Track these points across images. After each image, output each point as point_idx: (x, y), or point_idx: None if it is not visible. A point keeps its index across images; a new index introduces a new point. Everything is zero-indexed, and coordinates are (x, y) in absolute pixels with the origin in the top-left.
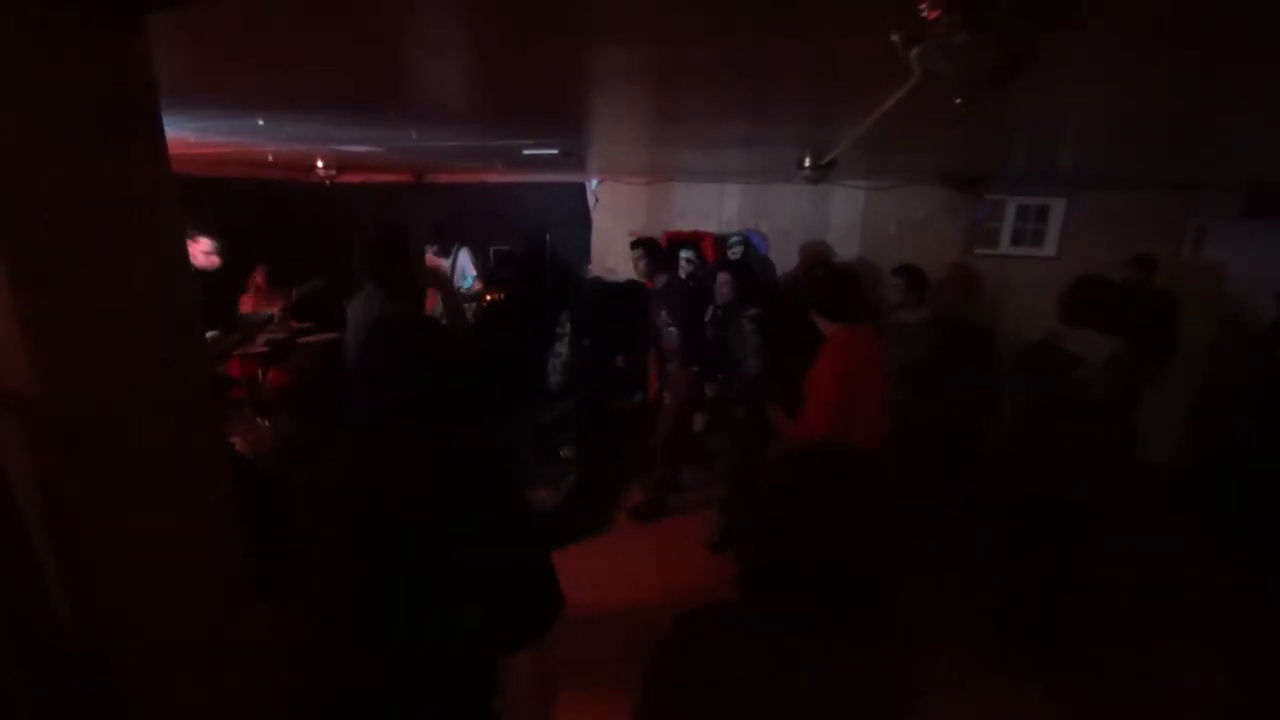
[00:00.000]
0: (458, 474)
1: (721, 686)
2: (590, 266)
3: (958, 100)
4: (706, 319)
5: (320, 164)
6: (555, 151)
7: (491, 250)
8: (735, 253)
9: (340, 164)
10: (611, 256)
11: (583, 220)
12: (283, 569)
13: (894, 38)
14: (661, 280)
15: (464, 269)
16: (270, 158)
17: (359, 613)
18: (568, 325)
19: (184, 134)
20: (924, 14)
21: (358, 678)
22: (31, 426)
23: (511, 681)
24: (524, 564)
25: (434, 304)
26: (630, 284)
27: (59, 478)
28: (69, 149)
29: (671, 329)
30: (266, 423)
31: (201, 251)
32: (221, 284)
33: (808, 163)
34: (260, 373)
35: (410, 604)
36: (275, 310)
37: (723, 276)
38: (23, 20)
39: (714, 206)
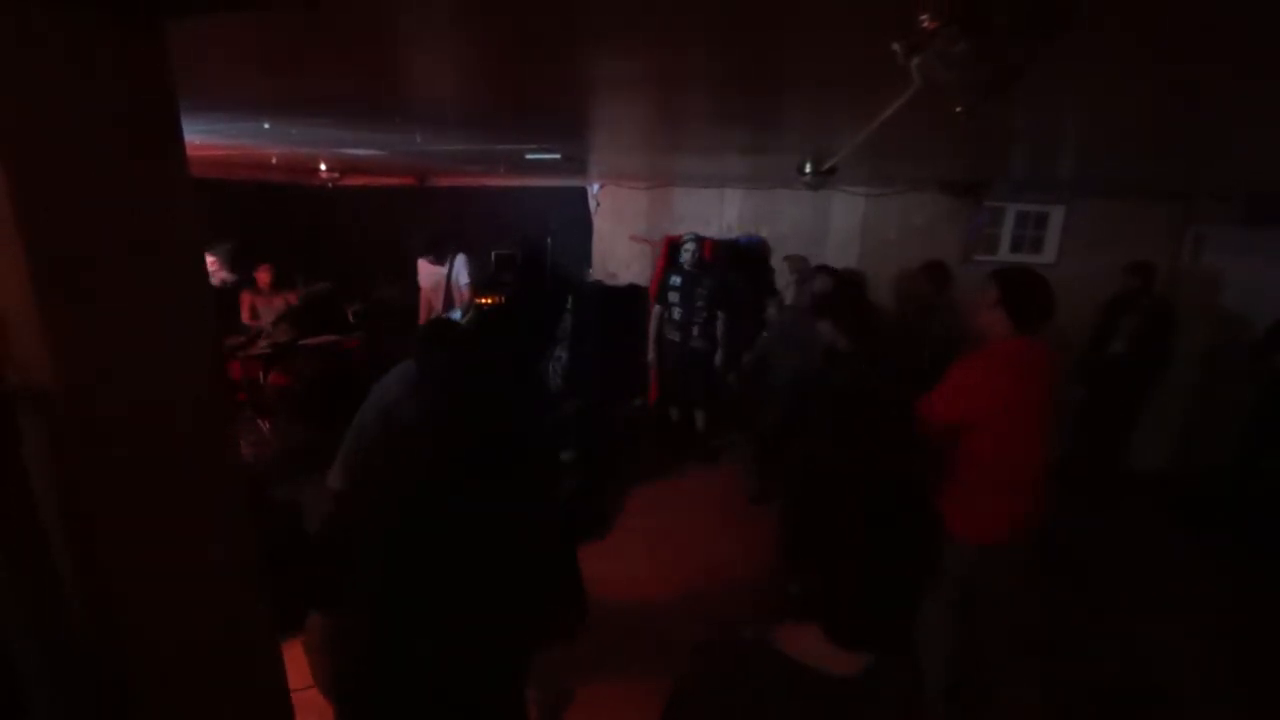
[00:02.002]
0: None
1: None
2: (591, 270)
3: (958, 108)
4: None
5: (324, 167)
6: (558, 156)
7: (493, 254)
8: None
9: (344, 167)
10: (612, 260)
11: (584, 224)
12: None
13: (894, 47)
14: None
15: (459, 275)
16: (274, 160)
17: (415, 608)
18: (568, 329)
19: (190, 137)
20: (924, 24)
21: (410, 665)
22: (52, 424)
23: (539, 677)
24: (567, 569)
25: (431, 307)
26: (630, 288)
27: (77, 475)
28: (93, 152)
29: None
30: (267, 425)
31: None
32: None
33: (808, 169)
34: (261, 375)
35: (469, 603)
36: (276, 309)
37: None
38: (49, 26)
39: (714, 212)
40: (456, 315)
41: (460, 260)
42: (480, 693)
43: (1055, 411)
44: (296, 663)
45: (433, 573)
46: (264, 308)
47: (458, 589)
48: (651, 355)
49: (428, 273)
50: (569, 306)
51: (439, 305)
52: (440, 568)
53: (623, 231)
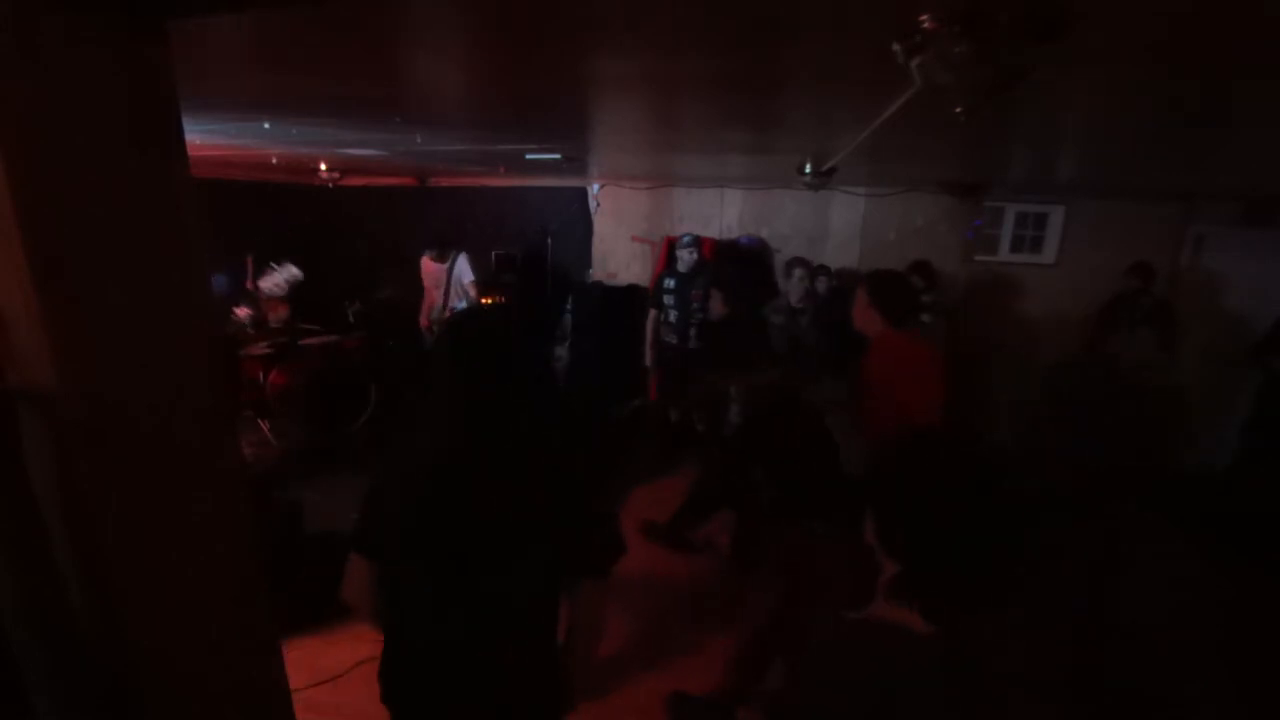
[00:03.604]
0: (542, 441)
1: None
2: (591, 270)
3: (958, 109)
4: None
5: (324, 167)
6: (558, 156)
7: (493, 254)
8: (689, 253)
9: (344, 167)
10: (612, 261)
11: (584, 224)
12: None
13: (895, 48)
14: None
15: (461, 275)
16: (274, 160)
17: (458, 556)
18: (568, 329)
19: (190, 136)
20: (925, 25)
21: (449, 611)
22: (52, 424)
23: (578, 606)
24: (593, 511)
25: (432, 304)
26: (630, 288)
27: (78, 475)
28: (95, 152)
29: None
30: (267, 425)
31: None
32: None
33: (808, 169)
34: (262, 375)
35: (501, 544)
36: (279, 315)
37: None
38: (50, 26)
39: (715, 212)
40: (460, 305)
41: (463, 259)
42: (516, 627)
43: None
44: (298, 662)
45: (459, 521)
46: (268, 308)
47: (484, 534)
48: (650, 359)
49: (429, 271)
50: (569, 306)
51: (439, 303)
52: (466, 517)
53: (623, 232)
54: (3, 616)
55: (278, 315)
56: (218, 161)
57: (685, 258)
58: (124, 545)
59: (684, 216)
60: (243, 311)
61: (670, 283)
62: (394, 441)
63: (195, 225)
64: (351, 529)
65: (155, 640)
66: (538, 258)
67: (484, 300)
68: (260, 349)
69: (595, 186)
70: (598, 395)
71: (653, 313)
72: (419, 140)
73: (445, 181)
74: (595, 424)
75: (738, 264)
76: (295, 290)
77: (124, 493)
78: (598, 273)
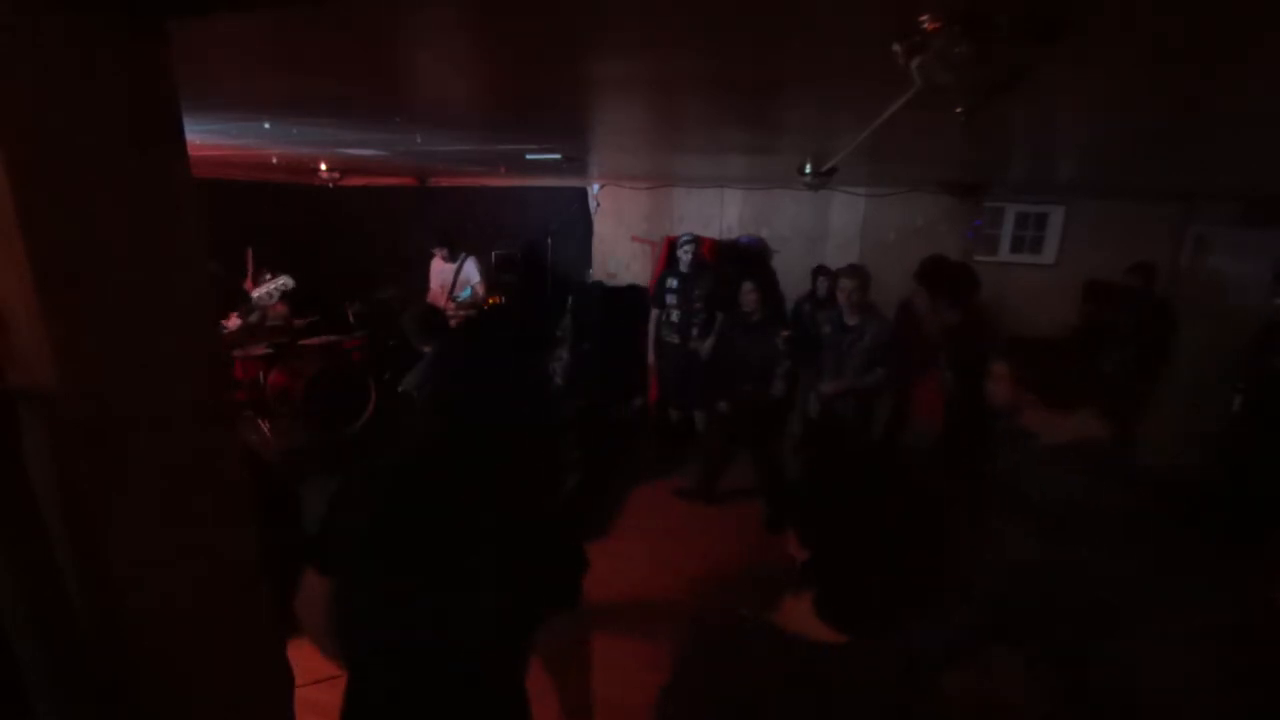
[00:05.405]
0: (507, 464)
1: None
2: (591, 270)
3: (958, 109)
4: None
5: (324, 167)
6: (558, 157)
7: (493, 254)
8: (686, 253)
9: (344, 167)
10: (613, 261)
11: (584, 224)
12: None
13: (895, 48)
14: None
15: (469, 277)
16: (275, 160)
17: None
18: (569, 329)
19: (191, 137)
20: (925, 26)
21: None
22: (52, 424)
23: (553, 646)
24: (559, 535)
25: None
26: (630, 288)
27: (78, 474)
28: (95, 152)
29: None
30: (267, 425)
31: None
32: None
33: (808, 169)
34: (261, 375)
35: (462, 568)
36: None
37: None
38: (50, 26)
39: (715, 213)
40: (465, 295)
41: (470, 262)
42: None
43: None
44: (298, 662)
45: (421, 543)
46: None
47: (445, 560)
48: (651, 358)
49: (438, 270)
50: (569, 306)
51: (441, 301)
52: (427, 541)
53: (623, 232)
54: (3, 616)
55: (276, 314)
56: (218, 161)
57: (686, 257)
58: (124, 545)
59: (684, 216)
60: (232, 321)
61: (673, 282)
62: (368, 451)
63: (195, 225)
64: (307, 541)
65: (155, 640)
66: (538, 258)
67: (488, 300)
68: (260, 349)
69: (595, 186)
70: (598, 395)
71: (655, 312)
72: (419, 140)
73: (445, 181)
74: (595, 424)
75: (738, 264)
76: (287, 297)
77: (124, 493)
78: (598, 273)
